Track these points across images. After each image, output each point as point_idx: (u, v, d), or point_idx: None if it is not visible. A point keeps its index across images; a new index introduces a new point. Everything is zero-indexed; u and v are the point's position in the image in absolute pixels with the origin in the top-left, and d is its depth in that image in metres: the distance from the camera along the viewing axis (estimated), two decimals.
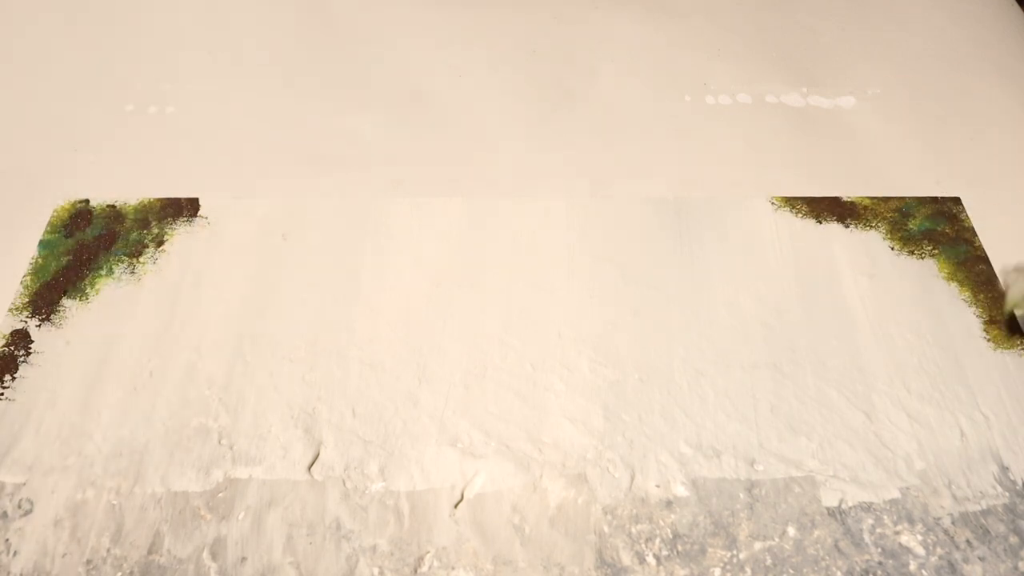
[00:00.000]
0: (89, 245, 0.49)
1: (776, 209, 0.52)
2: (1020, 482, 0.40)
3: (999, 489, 0.39)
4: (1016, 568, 0.37)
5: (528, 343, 0.45)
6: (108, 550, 0.37)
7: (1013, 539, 0.38)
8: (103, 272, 0.48)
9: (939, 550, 0.37)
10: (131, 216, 0.50)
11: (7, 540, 0.37)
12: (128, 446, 0.40)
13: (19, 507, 0.38)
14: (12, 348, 0.44)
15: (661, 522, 0.38)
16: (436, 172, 0.54)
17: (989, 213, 0.52)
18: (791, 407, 0.42)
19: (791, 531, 0.38)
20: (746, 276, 0.48)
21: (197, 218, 0.50)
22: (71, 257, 0.48)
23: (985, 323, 0.46)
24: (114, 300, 0.46)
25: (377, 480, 0.39)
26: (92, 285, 0.47)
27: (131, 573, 0.36)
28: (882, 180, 0.54)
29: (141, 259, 0.48)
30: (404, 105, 0.59)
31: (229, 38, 0.64)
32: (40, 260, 0.48)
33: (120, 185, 0.52)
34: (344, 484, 0.39)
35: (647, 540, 0.38)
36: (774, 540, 0.38)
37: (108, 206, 0.51)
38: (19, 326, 0.45)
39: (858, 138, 0.57)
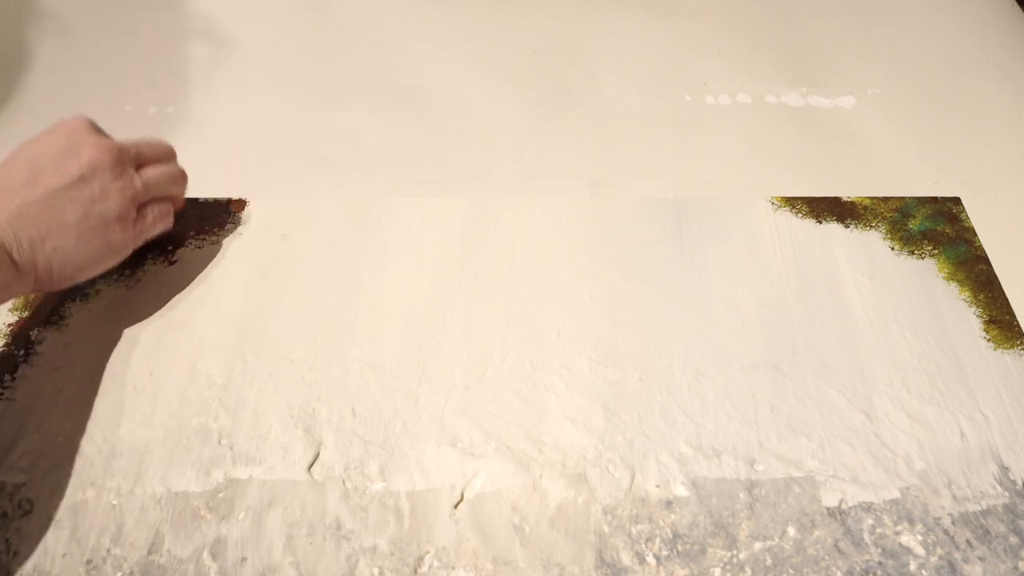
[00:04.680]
0: None
1: (776, 209, 0.52)
2: (1020, 482, 0.40)
3: (999, 489, 0.39)
4: (1016, 568, 0.37)
5: (528, 343, 0.45)
6: (108, 550, 0.37)
7: (1013, 539, 0.38)
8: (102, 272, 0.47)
9: (939, 550, 0.37)
10: None
11: (7, 540, 0.37)
12: (128, 446, 0.40)
13: (19, 507, 0.38)
14: (12, 348, 0.44)
15: (661, 522, 0.38)
16: (436, 172, 0.54)
17: (989, 213, 0.52)
18: (791, 407, 0.42)
19: (791, 531, 0.38)
20: (746, 276, 0.48)
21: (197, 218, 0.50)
22: None
23: (985, 323, 0.46)
24: (114, 300, 0.46)
25: (377, 480, 0.39)
26: (92, 285, 0.47)
27: (131, 573, 0.36)
28: (882, 180, 0.54)
29: (140, 258, 0.48)
30: (404, 105, 0.59)
31: (229, 38, 0.64)
32: None
33: None
34: (344, 484, 0.39)
35: (647, 540, 0.38)
36: (774, 540, 0.38)
37: None
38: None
39: (858, 138, 0.57)
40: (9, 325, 0.45)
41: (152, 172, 0.43)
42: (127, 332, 0.45)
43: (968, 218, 0.51)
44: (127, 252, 0.42)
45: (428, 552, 0.37)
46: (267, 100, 0.59)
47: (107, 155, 0.40)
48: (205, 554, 0.37)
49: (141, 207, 0.42)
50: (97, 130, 0.42)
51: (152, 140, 0.44)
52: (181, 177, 0.46)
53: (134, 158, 0.42)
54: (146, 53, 0.62)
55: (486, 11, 0.67)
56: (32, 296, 0.46)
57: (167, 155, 0.45)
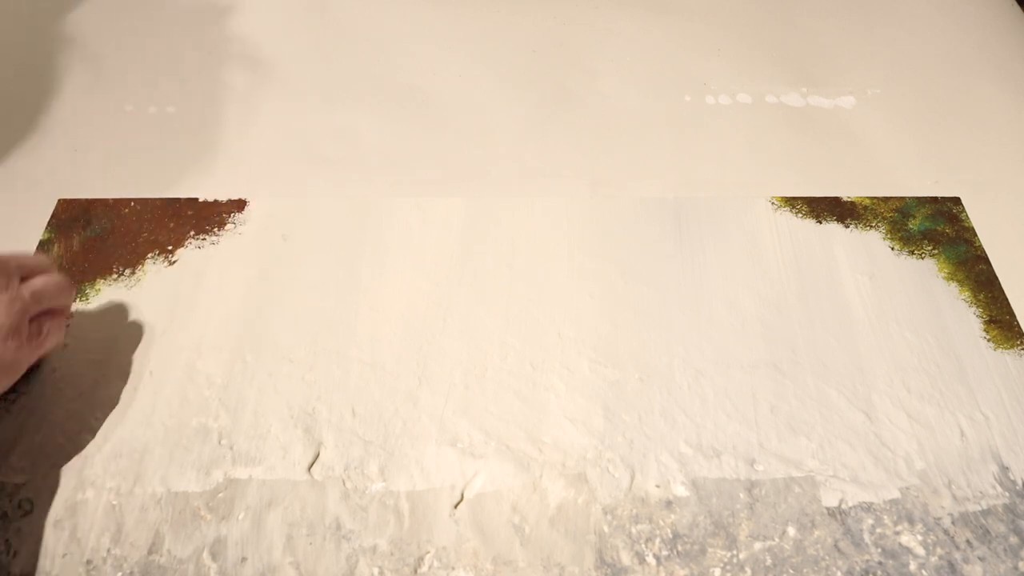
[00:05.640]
0: (89, 245, 0.49)
1: (776, 209, 0.52)
2: (1020, 482, 0.40)
3: (999, 489, 0.39)
4: (1016, 568, 0.37)
5: (528, 343, 0.45)
6: (108, 550, 0.37)
7: (1013, 539, 0.38)
8: (102, 272, 0.47)
9: (939, 550, 0.37)
10: (131, 216, 0.50)
11: (7, 540, 0.37)
12: (128, 446, 0.40)
13: (19, 507, 0.38)
14: None
15: (661, 522, 0.38)
16: (436, 172, 0.54)
17: (989, 213, 0.52)
18: (791, 407, 0.42)
19: (791, 531, 0.38)
20: (746, 276, 0.48)
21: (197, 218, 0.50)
22: (71, 257, 0.48)
23: (985, 323, 0.46)
24: (114, 300, 0.46)
25: (377, 480, 0.39)
26: (92, 285, 0.47)
27: (131, 573, 0.36)
28: (882, 180, 0.54)
29: (140, 258, 0.48)
30: (404, 105, 0.59)
31: (229, 38, 0.64)
32: None
33: (120, 185, 0.52)
34: (344, 484, 0.39)
35: (647, 540, 0.38)
36: (774, 540, 0.38)
37: (108, 206, 0.51)
38: None
39: (858, 138, 0.57)
40: None
41: (39, 283, 0.39)
42: (127, 332, 0.45)
43: (968, 218, 0.51)
44: (22, 370, 0.39)
45: (428, 552, 0.37)
46: (267, 100, 0.59)
47: None
48: (205, 554, 0.37)
49: (33, 320, 0.39)
50: None
51: (29, 254, 0.41)
52: (68, 287, 0.42)
53: (17, 269, 0.38)
54: (146, 53, 0.62)
55: (486, 11, 0.67)
56: None
57: (47, 267, 0.41)
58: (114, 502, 0.38)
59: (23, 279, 0.39)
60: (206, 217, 0.50)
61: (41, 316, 0.40)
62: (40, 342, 0.39)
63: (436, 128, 0.57)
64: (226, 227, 0.50)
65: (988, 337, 0.45)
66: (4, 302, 0.37)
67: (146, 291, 0.47)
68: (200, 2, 0.67)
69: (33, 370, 0.42)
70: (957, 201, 0.52)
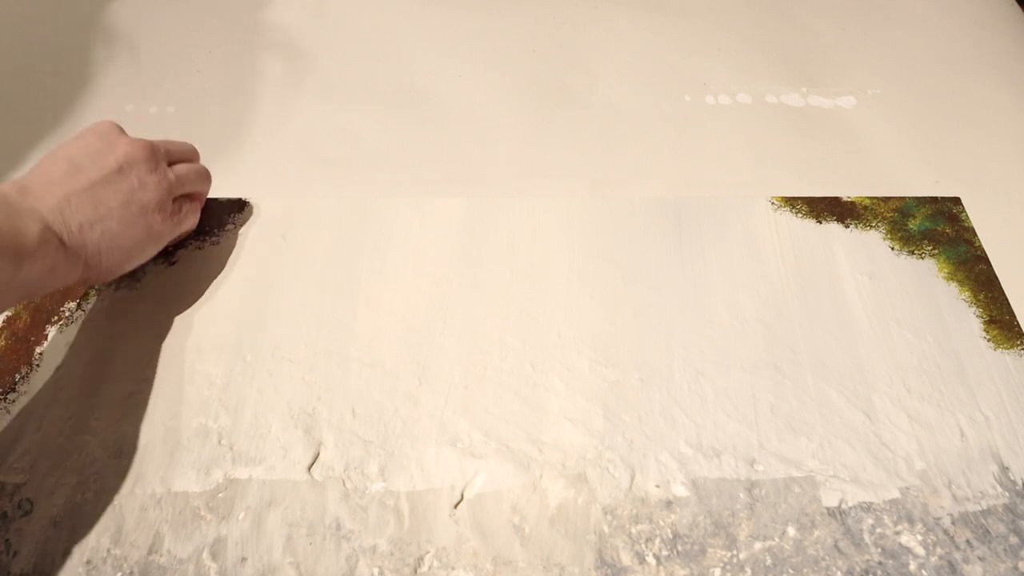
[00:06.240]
0: None
1: (776, 209, 0.52)
2: (1020, 482, 0.40)
3: (999, 489, 0.39)
4: (1016, 568, 0.37)
5: (528, 343, 0.45)
6: (108, 550, 0.37)
7: (1013, 539, 0.38)
8: None
9: (939, 550, 0.37)
10: None
11: (7, 540, 0.37)
12: (128, 446, 0.40)
13: (19, 507, 0.38)
14: (13, 348, 0.44)
15: (661, 522, 0.38)
16: (436, 172, 0.54)
17: (989, 213, 0.52)
18: (791, 407, 0.42)
19: (791, 531, 0.38)
20: (746, 276, 0.48)
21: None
22: None
23: (985, 323, 0.46)
24: (114, 300, 0.46)
25: (377, 480, 0.39)
26: (92, 285, 0.47)
27: (131, 573, 0.36)
28: (882, 180, 0.54)
29: None
30: (404, 105, 0.59)
31: (229, 38, 0.64)
32: None
33: None
34: (344, 484, 0.39)
35: (647, 540, 0.38)
36: (774, 540, 0.38)
37: None
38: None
39: (858, 138, 0.57)
40: (10, 325, 0.45)
41: (183, 168, 0.45)
42: (127, 332, 0.45)
43: (968, 218, 0.51)
44: (164, 242, 0.44)
45: (428, 552, 0.37)
46: (267, 100, 0.59)
47: (141, 150, 0.42)
48: (205, 554, 0.37)
49: (175, 201, 0.44)
50: (124, 132, 0.44)
51: (178, 141, 0.47)
52: (207, 175, 0.48)
53: (165, 155, 0.44)
54: (147, 53, 0.62)
55: (486, 11, 0.67)
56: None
57: (193, 154, 0.48)
58: (114, 502, 0.38)
59: (170, 164, 0.45)
60: (206, 217, 0.50)
61: (181, 198, 0.46)
62: (180, 220, 0.45)
63: (436, 128, 0.57)
64: (226, 227, 0.50)
65: (988, 337, 0.45)
66: (154, 181, 0.42)
67: (146, 291, 0.47)
68: (200, 2, 0.67)
69: (169, 249, 0.48)
70: (957, 201, 0.52)
